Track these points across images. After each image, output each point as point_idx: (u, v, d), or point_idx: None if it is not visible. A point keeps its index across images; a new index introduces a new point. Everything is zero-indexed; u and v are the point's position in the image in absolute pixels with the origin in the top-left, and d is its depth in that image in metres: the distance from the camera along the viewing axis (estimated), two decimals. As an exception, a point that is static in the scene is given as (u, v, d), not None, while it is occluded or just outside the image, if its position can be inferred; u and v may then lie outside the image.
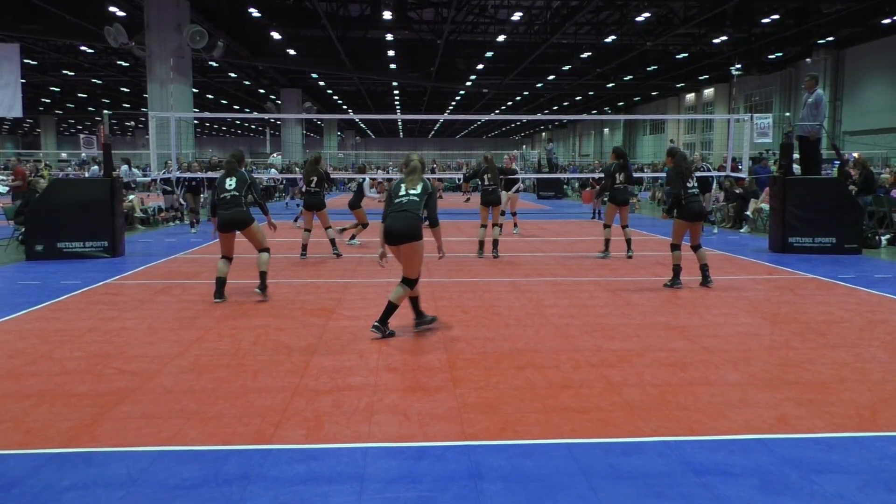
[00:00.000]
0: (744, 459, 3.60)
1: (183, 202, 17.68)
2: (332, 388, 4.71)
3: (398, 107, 57.24)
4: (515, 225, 14.93)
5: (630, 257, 10.87)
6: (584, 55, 33.28)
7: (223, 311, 7.14)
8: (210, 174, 18.09)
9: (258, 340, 5.98)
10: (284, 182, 26.55)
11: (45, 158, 47.50)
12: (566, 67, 36.42)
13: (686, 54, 34.11)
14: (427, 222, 6.09)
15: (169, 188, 17.87)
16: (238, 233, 7.71)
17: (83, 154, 29.69)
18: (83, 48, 31.67)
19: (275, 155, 36.20)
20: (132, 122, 70.82)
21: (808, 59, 32.96)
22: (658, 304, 7.51)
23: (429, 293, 8.12)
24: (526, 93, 48.37)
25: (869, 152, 26.91)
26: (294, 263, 10.43)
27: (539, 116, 55.12)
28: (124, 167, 21.05)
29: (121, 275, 9.47)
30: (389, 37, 29.42)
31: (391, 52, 32.62)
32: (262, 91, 46.96)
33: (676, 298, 7.85)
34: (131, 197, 17.36)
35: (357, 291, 8.31)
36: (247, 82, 43.26)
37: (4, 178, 29.43)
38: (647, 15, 26.44)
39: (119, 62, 34.67)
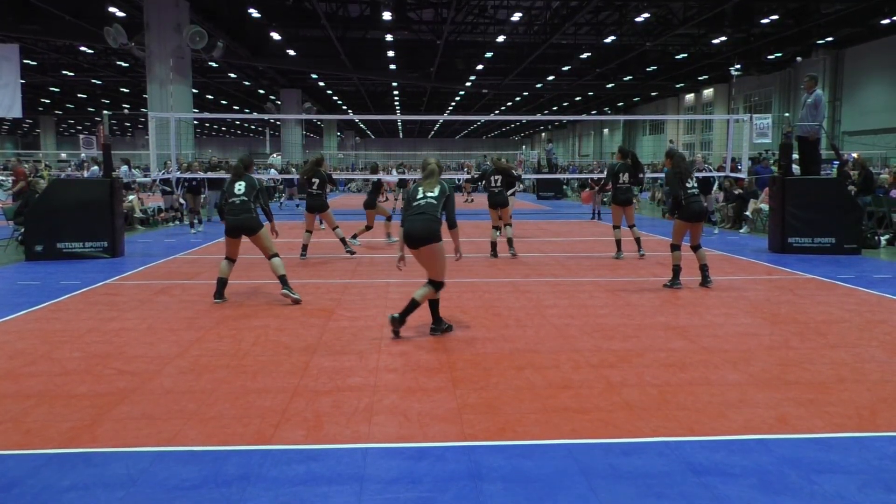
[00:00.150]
0: (743, 459, 3.60)
1: (182, 202, 17.67)
2: (332, 389, 4.71)
3: (398, 107, 57.24)
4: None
5: (642, 256, 10.87)
6: (584, 55, 33.30)
7: (223, 312, 7.14)
8: (210, 175, 18.10)
9: (258, 341, 5.98)
10: (283, 183, 26.54)
11: (45, 159, 47.52)
12: (566, 68, 36.43)
13: (685, 54, 34.12)
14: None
15: (168, 188, 17.87)
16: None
17: (83, 154, 29.68)
18: (83, 48, 31.66)
19: (274, 155, 36.18)
20: (129, 123, 70.82)
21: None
22: (658, 305, 7.51)
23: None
24: (525, 93, 48.38)
25: (868, 152, 26.92)
26: (294, 264, 10.43)
27: (539, 117, 55.09)
28: (124, 167, 21.05)
29: (120, 275, 9.47)
30: (389, 37, 29.43)
31: (391, 53, 32.63)
32: (261, 91, 46.97)
33: (676, 299, 7.85)
34: (131, 197, 17.35)
35: (357, 292, 8.31)
36: (246, 83, 43.26)
37: (4, 178, 29.40)
38: (646, 15, 26.45)
39: (119, 62, 34.67)
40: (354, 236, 12.47)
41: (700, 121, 48.02)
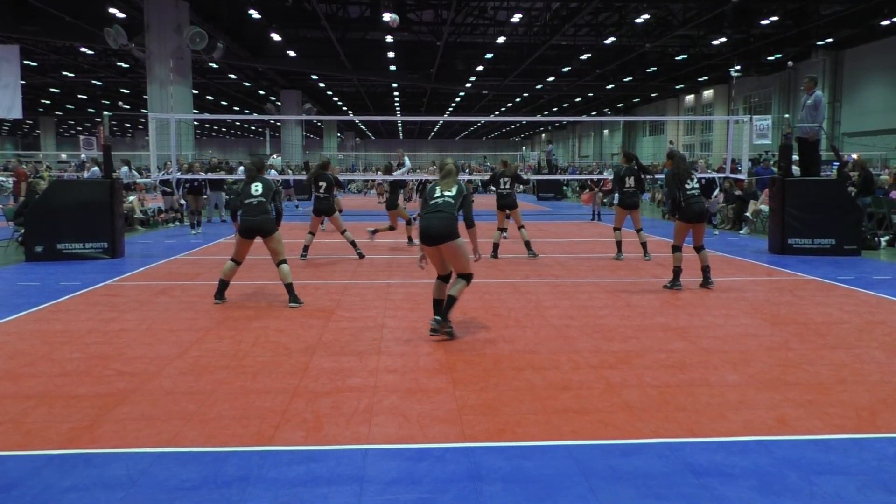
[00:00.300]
0: (743, 460, 3.60)
1: (183, 202, 17.66)
2: (332, 390, 4.71)
3: (398, 108, 57.26)
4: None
5: (647, 260, 10.86)
6: (584, 56, 33.30)
7: (223, 313, 7.15)
8: (210, 175, 18.09)
9: (258, 342, 5.98)
10: (281, 184, 26.53)
11: (45, 160, 47.52)
12: (566, 69, 36.45)
13: (685, 55, 34.14)
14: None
15: (168, 189, 17.86)
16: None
17: (83, 155, 29.68)
18: (83, 49, 31.67)
19: (275, 156, 36.21)
20: (130, 124, 70.84)
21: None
22: (657, 306, 7.51)
23: (428, 295, 8.11)
24: (525, 94, 48.40)
25: (868, 153, 26.94)
26: (294, 265, 10.42)
27: (539, 118, 55.14)
28: (124, 168, 21.06)
29: (120, 276, 9.47)
30: (389, 38, 29.44)
31: (391, 54, 32.64)
32: (261, 92, 46.98)
33: (676, 300, 7.86)
34: (131, 198, 17.35)
35: (356, 293, 8.31)
36: (247, 83, 43.27)
37: (5, 179, 29.41)
38: (646, 16, 26.46)
39: (119, 63, 34.68)
40: (374, 231, 12.46)
41: (700, 122, 48.04)
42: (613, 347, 5.81)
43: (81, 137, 26.38)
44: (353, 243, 11.20)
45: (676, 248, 8.49)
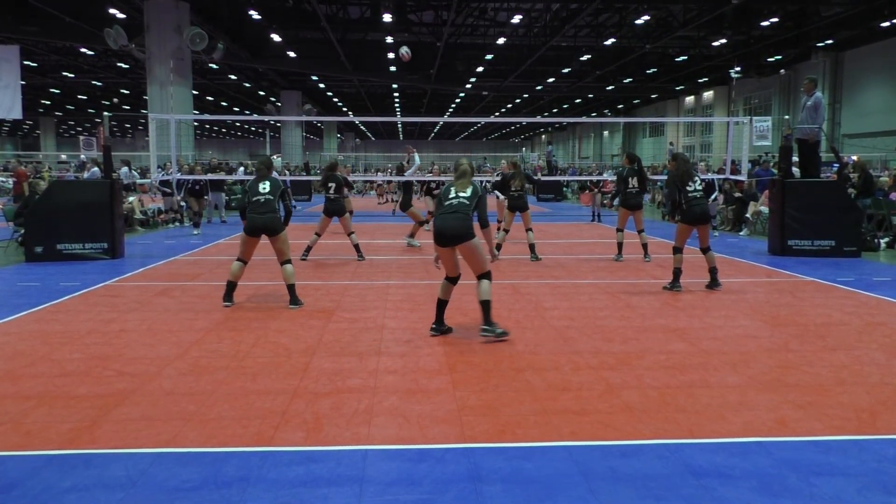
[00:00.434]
0: (743, 462, 3.60)
1: (183, 203, 17.65)
2: (332, 391, 4.71)
3: (398, 109, 57.27)
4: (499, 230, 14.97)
5: (647, 262, 10.86)
6: (584, 58, 33.32)
7: (223, 313, 7.15)
8: (210, 176, 18.09)
9: (258, 342, 5.98)
10: None
11: (45, 160, 47.52)
12: (566, 70, 36.44)
13: (685, 57, 34.14)
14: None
15: (168, 190, 17.85)
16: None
17: (82, 156, 29.68)
18: (83, 50, 31.68)
19: (275, 157, 36.22)
20: (130, 125, 70.85)
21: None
22: (657, 307, 7.52)
23: (428, 295, 8.12)
24: (525, 95, 48.41)
25: (868, 155, 26.92)
26: (295, 265, 10.42)
27: (539, 119, 55.15)
28: (124, 169, 21.06)
29: (120, 276, 9.47)
30: (389, 39, 29.44)
31: (391, 55, 32.63)
32: (261, 93, 46.99)
33: (676, 301, 7.86)
34: (131, 199, 17.34)
35: (356, 293, 8.32)
36: (247, 84, 43.28)
37: (5, 179, 29.41)
38: (646, 18, 26.46)
39: (119, 64, 34.69)
40: (412, 235, 12.43)
41: (700, 123, 48.04)
42: (613, 349, 5.82)
43: (81, 138, 26.39)
44: (356, 246, 11.18)
45: (677, 250, 8.48)
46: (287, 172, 29.88)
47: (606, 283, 9.01)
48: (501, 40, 29.90)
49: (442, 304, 6.24)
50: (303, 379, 4.96)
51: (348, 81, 41.67)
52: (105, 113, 12.14)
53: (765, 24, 27.00)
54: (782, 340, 6.11)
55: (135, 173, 23.17)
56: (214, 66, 32.61)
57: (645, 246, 11.01)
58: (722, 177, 16.84)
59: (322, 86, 43.73)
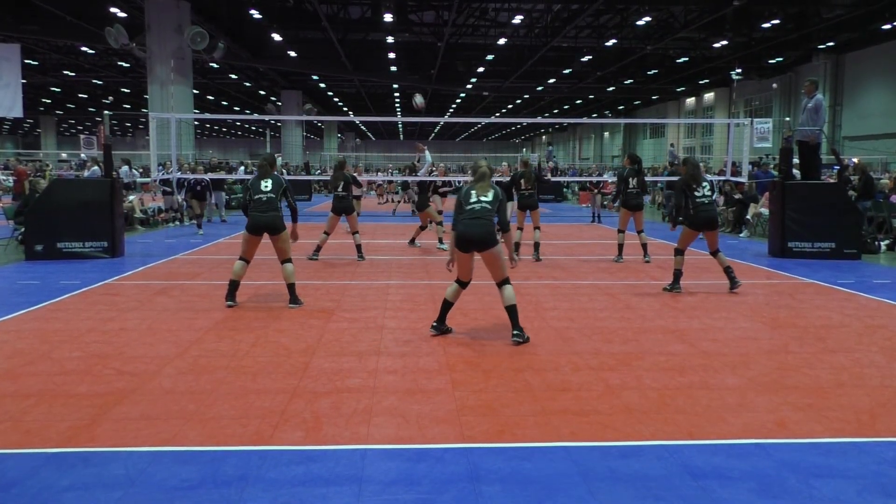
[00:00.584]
0: (742, 463, 3.60)
1: (184, 203, 17.61)
2: (331, 390, 4.71)
3: (398, 109, 57.28)
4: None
5: (647, 262, 10.87)
6: (585, 59, 33.32)
7: (222, 313, 7.15)
8: (211, 175, 18.06)
9: (257, 342, 5.98)
10: None
11: (46, 159, 47.51)
12: (566, 71, 36.45)
13: (686, 58, 34.15)
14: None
15: (169, 189, 17.82)
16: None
17: (83, 154, 29.69)
18: (84, 49, 31.67)
19: (276, 157, 36.19)
20: (130, 124, 70.86)
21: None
22: (657, 308, 7.51)
23: (428, 295, 8.13)
24: (526, 96, 48.42)
25: (868, 157, 26.93)
26: (297, 264, 10.42)
27: (539, 119, 55.14)
28: (124, 168, 21.05)
29: (120, 275, 9.47)
30: (390, 39, 29.45)
31: (392, 55, 32.66)
32: (262, 92, 46.99)
33: (676, 302, 7.86)
34: (131, 197, 17.32)
35: (356, 293, 8.31)
36: (247, 84, 43.28)
37: (5, 177, 29.41)
38: (647, 19, 26.47)
39: (119, 63, 34.68)
40: (440, 241, 12.48)
41: (701, 124, 48.05)
42: (613, 349, 5.82)
43: (82, 136, 26.40)
44: (358, 247, 11.18)
45: (679, 252, 8.47)
46: (285, 172, 29.82)
47: (606, 285, 9.01)
48: (502, 41, 29.91)
49: (447, 306, 6.22)
50: (302, 378, 4.96)
51: (349, 81, 41.67)
52: (105, 112, 12.15)
53: (766, 25, 27.01)
54: (782, 342, 6.11)
55: (135, 172, 23.17)
56: (215, 65, 32.64)
57: (644, 246, 11.02)
58: (722, 178, 16.86)
59: (322, 85, 43.74)
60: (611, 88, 42.75)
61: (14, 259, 11.07)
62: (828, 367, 5.34)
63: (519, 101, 52.70)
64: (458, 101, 52.37)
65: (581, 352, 5.73)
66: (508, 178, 13.34)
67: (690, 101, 49.70)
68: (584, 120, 55.27)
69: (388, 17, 25.48)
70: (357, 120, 31.63)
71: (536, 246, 11.30)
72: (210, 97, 49.20)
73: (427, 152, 13.78)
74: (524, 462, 3.60)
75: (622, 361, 5.45)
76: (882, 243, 12.72)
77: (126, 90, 45.92)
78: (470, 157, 62.89)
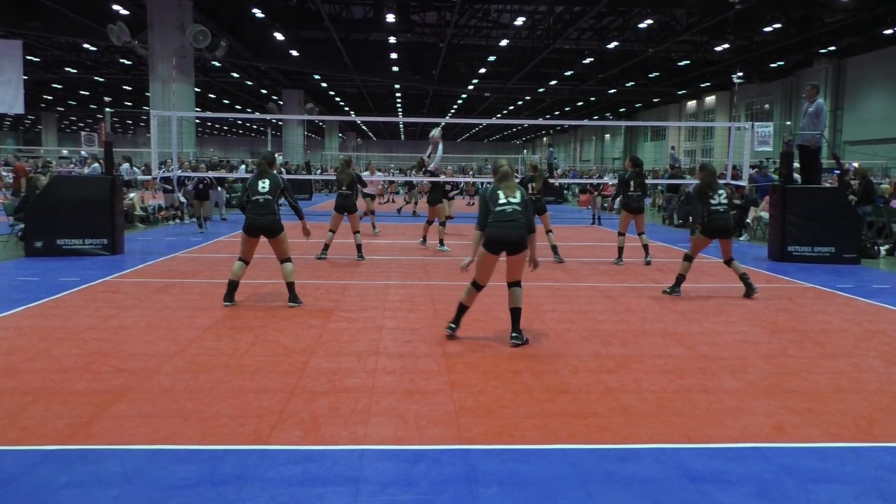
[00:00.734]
0: (740, 467, 3.60)
1: (184, 200, 17.57)
2: (330, 390, 4.71)
3: (399, 109, 57.29)
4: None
5: (648, 263, 10.86)
6: (587, 61, 33.33)
7: (222, 311, 7.14)
8: (211, 174, 18.03)
9: (256, 341, 5.98)
10: None
11: (47, 155, 47.50)
12: (568, 73, 36.46)
13: (688, 61, 34.17)
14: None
15: (170, 187, 17.79)
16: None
17: (83, 152, 29.68)
18: (86, 46, 31.66)
19: (276, 156, 36.18)
20: (131, 121, 70.87)
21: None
22: (657, 311, 7.51)
23: (427, 296, 8.13)
24: (528, 97, 48.42)
25: (869, 162, 26.95)
26: (298, 264, 10.42)
27: (540, 121, 55.12)
28: (125, 165, 21.04)
29: (120, 273, 9.47)
30: (392, 39, 29.45)
31: (393, 55, 32.66)
32: (264, 91, 46.99)
33: (675, 305, 7.86)
34: (132, 195, 17.30)
35: (356, 293, 8.31)
36: (249, 83, 43.29)
37: (6, 173, 29.41)
38: (649, 22, 26.48)
39: (121, 60, 34.69)
40: (441, 242, 12.44)
41: (701, 128, 48.05)
42: (612, 352, 5.81)
43: (83, 134, 26.36)
44: (358, 246, 11.17)
45: (688, 258, 8.44)
46: (284, 171, 29.78)
47: (606, 287, 9.01)
48: (504, 42, 29.92)
49: (463, 309, 6.13)
50: (301, 378, 4.95)
51: (350, 81, 41.66)
52: (107, 109, 12.15)
53: (768, 29, 27.02)
54: (781, 346, 6.11)
55: (136, 170, 23.17)
56: (217, 63, 32.68)
57: (646, 247, 11.02)
58: (723, 182, 16.86)
59: (324, 85, 43.74)
60: (612, 91, 42.74)
61: (14, 255, 11.07)
62: (826, 371, 5.34)
63: (520, 103, 52.71)
64: (460, 101, 52.38)
65: (580, 354, 5.72)
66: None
67: (691, 104, 49.71)
68: (586, 122, 55.25)
69: (390, 18, 25.49)
70: (358, 120, 31.55)
71: (555, 248, 11.29)
72: (212, 96, 49.21)
73: (441, 145, 13.33)
74: (522, 464, 3.60)
75: (621, 364, 5.45)
76: (882, 248, 12.72)
77: (128, 88, 45.92)
78: (471, 157, 62.91)
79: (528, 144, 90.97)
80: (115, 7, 23.06)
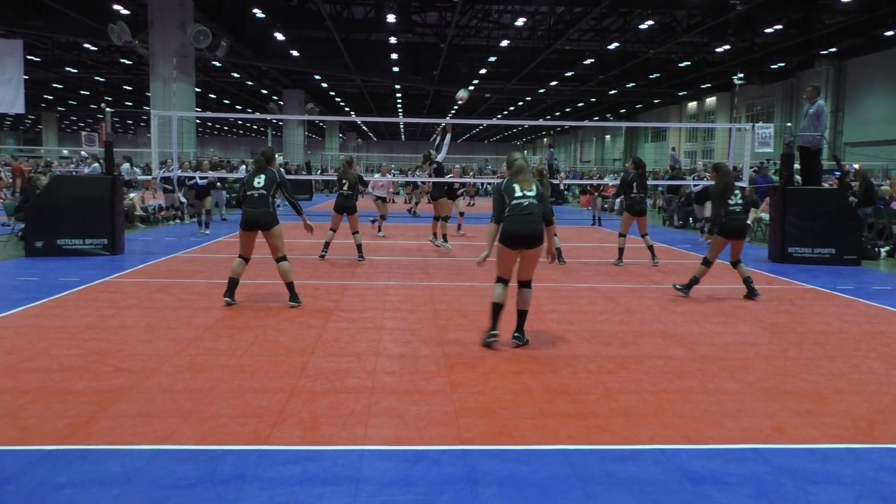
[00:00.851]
0: (739, 469, 3.60)
1: (184, 200, 17.53)
2: (329, 390, 4.71)
3: (400, 110, 57.28)
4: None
5: (656, 264, 10.85)
6: (587, 62, 33.33)
7: (222, 311, 7.14)
8: (212, 174, 18.00)
9: (256, 341, 5.98)
10: None
11: (47, 155, 47.50)
12: (569, 73, 36.46)
13: (688, 62, 34.16)
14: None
15: (170, 187, 17.76)
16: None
17: (83, 152, 29.67)
18: (86, 45, 31.66)
19: (276, 156, 36.12)
20: (132, 121, 70.88)
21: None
22: (657, 312, 7.51)
23: (427, 296, 8.13)
24: (528, 98, 48.42)
25: (869, 163, 26.93)
26: (297, 264, 10.41)
27: (541, 122, 55.13)
28: (125, 165, 21.04)
29: (120, 273, 9.47)
30: (393, 39, 29.45)
31: (394, 55, 32.66)
32: (264, 91, 46.99)
33: (675, 306, 7.85)
34: (132, 195, 17.29)
35: (356, 293, 8.31)
36: (249, 83, 43.28)
37: (5, 175, 29.39)
38: (650, 23, 26.48)
39: (122, 60, 34.69)
40: (445, 238, 12.40)
41: (702, 129, 48.06)
42: (612, 353, 5.81)
43: (83, 133, 26.35)
44: (359, 246, 11.17)
45: (707, 262, 8.42)
46: (283, 171, 29.76)
47: (606, 288, 9.01)
48: (505, 43, 29.92)
49: (498, 309, 5.93)
50: (300, 378, 4.95)
51: (351, 81, 41.66)
52: (107, 109, 12.15)
53: (768, 31, 27.02)
54: (781, 348, 6.11)
55: (136, 170, 23.16)
56: (217, 63, 32.66)
57: (651, 248, 11.03)
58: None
59: (325, 85, 43.74)
60: (613, 92, 42.74)
61: (14, 255, 11.07)
62: (826, 373, 5.34)
63: (521, 103, 52.71)
64: (460, 102, 52.35)
65: (580, 355, 5.72)
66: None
67: (692, 105, 49.72)
68: (586, 123, 55.30)
69: (391, 18, 25.48)
70: (359, 120, 31.52)
71: (559, 251, 11.28)
72: (212, 95, 49.22)
73: (449, 136, 13.14)
74: (521, 465, 3.60)
75: (621, 365, 5.45)
76: (882, 250, 12.72)
77: (128, 87, 45.92)
78: (471, 158, 62.85)
79: (528, 145, 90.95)
80: (116, 7, 23.06)
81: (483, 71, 36.02)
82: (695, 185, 16.87)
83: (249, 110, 56.94)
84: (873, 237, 13.35)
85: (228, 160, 45.82)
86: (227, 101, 53.55)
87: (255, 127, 76.92)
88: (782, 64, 33.76)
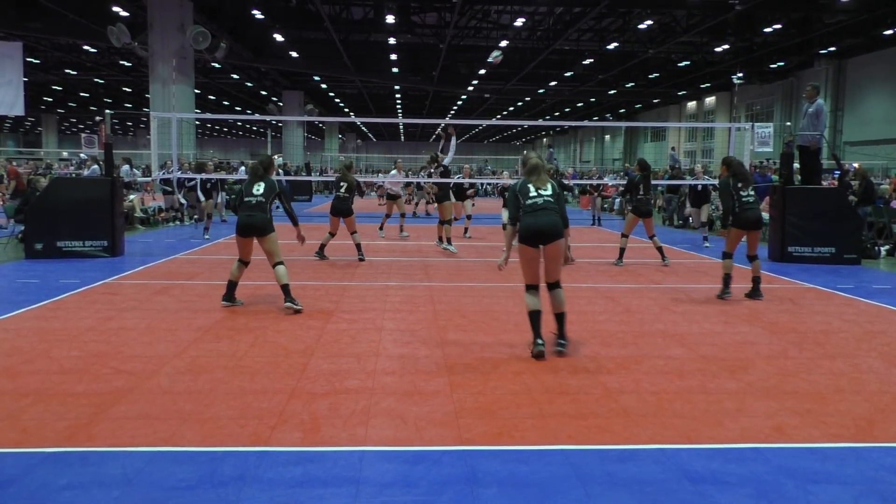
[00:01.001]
0: (740, 468, 3.60)
1: (183, 201, 17.50)
2: (329, 391, 4.71)
3: (399, 110, 57.29)
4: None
5: (666, 265, 10.86)
6: (587, 62, 33.35)
7: (221, 313, 7.14)
8: (212, 175, 17.98)
9: (256, 342, 5.98)
10: None
11: (47, 157, 47.50)
12: (568, 74, 36.47)
13: (688, 62, 34.17)
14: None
15: (169, 188, 17.75)
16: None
17: (83, 153, 29.68)
18: (86, 47, 31.69)
19: (275, 157, 36.15)
20: (131, 123, 70.87)
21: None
22: (657, 312, 7.51)
23: (427, 297, 8.13)
24: (527, 98, 48.44)
25: (869, 163, 26.92)
26: (297, 265, 10.42)
27: (540, 122, 55.15)
28: (125, 167, 21.04)
29: (120, 274, 9.47)
30: (392, 40, 29.47)
31: (393, 56, 32.68)
32: (264, 93, 47.02)
33: (675, 306, 7.86)
34: (132, 197, 17.30)
35: (355, 294, 8.31)
36: (249, 84, 43.30)
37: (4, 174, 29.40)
38: (649, 22, 26.49)
39: (121, 62, 34.70)
40: (448, 241, 12.39)
41: (702, 128, 48.06)
42: (611, 353, 5.81)
43: (83, 135, 26.35)
44: (358, 246, 11.19)
45: (727, 255, 8.39)
46: (281, 172, 29.73)
47: (606, 288, 9.01)
48: (504, 43, 29.92)
49: (536, 316, 5.65)
50: (300, 379, 4.95)
51: (350, 82, 41.67)
52: (107, 111, 12.15)
53: (768, 30, 27.03)
54: (781, 347, 6.11)
55: (136, 171, 23.17)
56: (217, 65, 32.67)
57: (660, 249, 11.04)
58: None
59: (324, 86, 43.75)
60: (612, 92, 42.76)
61: (14, 257, 11.07)
62: (827, 372, 5.34)
63: (520, 104, 52.72)
64: (460, 102, 52.38)
65: (579, 355, 5.72)
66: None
67: (692, 104, 49.73)
68: (586, 123, 55.40)
69: (390, 19, 25.50)
70: (358, 121, 31.56)
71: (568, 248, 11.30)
72: (211, 97, 49.22)
73: (454, 139, 12.98)
74: (522, 465, 3.60)
75: (620, 365, 5.45)
76: (882, 249, 12.72)
77: (128, 89, 45.92)
78: (471, 158, 62.78)
79: (528, 145, 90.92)
80: (116, 8, 23.09)
81: (482, 71, 36.03)
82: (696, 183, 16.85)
83: (249, 111, 57.00)
84: (873, 236, 13.35)
85: (228, 161, 45.80)
86: (226, 103, 53.56)
87: (254, 128, 76.94)
88: (782, 63, 33.76)
